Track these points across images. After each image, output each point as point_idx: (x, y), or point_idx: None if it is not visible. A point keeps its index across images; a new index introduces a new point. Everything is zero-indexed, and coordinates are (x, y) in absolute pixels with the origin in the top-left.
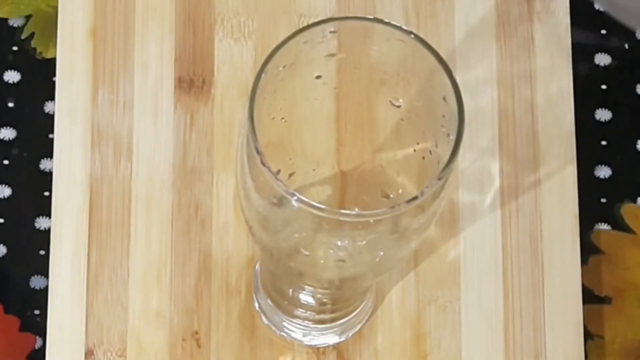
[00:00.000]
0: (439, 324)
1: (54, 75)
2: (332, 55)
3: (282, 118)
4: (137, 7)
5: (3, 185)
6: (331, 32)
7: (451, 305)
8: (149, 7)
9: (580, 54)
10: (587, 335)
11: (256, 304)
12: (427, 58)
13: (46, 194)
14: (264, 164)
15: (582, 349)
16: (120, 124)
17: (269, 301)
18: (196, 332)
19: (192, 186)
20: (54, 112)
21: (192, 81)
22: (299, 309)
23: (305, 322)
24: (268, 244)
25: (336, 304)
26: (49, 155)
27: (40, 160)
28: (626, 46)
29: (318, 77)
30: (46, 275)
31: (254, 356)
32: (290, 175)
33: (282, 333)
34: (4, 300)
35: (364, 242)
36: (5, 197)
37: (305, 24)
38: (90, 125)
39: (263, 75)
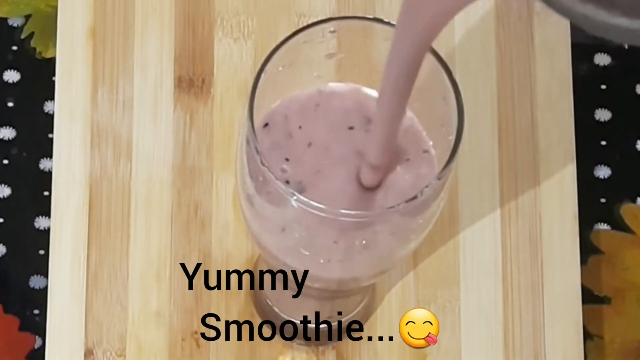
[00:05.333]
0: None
1: (54, 75)
2: (331, 55)
3: None
4: (136, 7)
5: (3, 185)
6: (331, 32)
7: (451, 305)
8: (148, 7)
9: (580, 54)
10: (587, 335)
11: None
12: (427, 58)
13: (46, 193)
14: (263, 164)
15: (582, 349)
16: (120, 124)
17: (268, 301)
18: (195, 332)
19: (191, 186)
20: (53, 112)
21: (192, 81)
22: (298, 309)
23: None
24: (268, 244)
25: (336, 302)
26: (49, 154)
27: (39, 159)
28: (626, 46)
29: (318, 77)
30: (46, 275)
31: (253, 356)
32: None
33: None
34: (3, 299)
35: (364, 242)
36: (5, 196)
37: (305, 24)
38: (89, 124)
39: (263, 75)
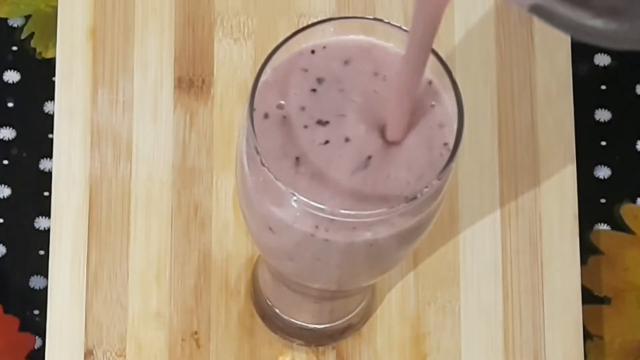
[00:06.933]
0: (438, 324)
1: (54, 75)
2: None
3: None
4: (136, 7)
5: (3, 185)
6: (331, 32)
7: (451, 305)
8: (148, 7)
9: (580, 54)
10: (587, 336)
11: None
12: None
13: (46, 194)
14: (264, 164)
15: (582, 349)
16: (120, 124)
17: (268, 302)
18: (195, 332)
19: (191, 186)
20: (53, 112)
21: (192, 81)
22: (298, 309)
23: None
24: (268, 244)
25: (336, 302)
26: (49, 155)
27: (39, 160)
28: None
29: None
30: (46, 275)
31: (253, 356)
32: None
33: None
34: (3, 300)
35: (364, 241)
36: (5, 197)
37: (305, 24)
38: (89, 125)
39: (263, 75)
